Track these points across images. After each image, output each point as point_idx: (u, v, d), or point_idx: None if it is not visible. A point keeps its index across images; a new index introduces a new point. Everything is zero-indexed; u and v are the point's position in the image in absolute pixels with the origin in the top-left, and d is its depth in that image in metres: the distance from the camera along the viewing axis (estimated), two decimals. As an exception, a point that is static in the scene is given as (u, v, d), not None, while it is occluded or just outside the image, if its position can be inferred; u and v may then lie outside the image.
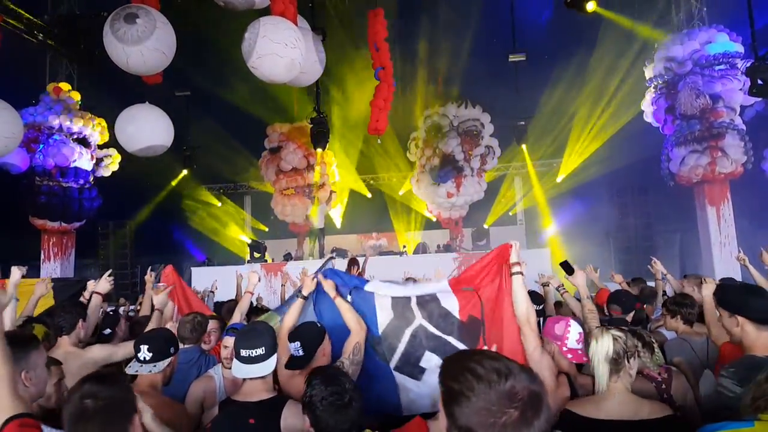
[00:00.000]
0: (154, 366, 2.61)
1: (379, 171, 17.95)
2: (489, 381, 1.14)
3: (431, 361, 3.02)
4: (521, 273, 2.94)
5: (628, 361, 2.29)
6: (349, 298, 3.23)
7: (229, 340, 3.15)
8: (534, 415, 1.11)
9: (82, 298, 4.32)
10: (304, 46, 5.70)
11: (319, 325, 3.00)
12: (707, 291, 3.18)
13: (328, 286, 3.25)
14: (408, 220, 17.66)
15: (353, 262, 7.83)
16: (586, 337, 2.88)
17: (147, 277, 4.74)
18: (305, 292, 3.26)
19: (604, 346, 2.33)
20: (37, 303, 4.20)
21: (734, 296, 2.70)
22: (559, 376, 2.74)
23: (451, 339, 3.06)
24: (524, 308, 2.85)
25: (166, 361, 2.66)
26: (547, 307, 4.69)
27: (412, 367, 3.08)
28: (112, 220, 16.23)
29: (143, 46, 5.74)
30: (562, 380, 2.71)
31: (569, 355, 2.80)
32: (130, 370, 2.64)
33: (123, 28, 5.61)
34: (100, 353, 3.43)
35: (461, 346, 3.06)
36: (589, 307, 3.37)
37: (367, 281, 3.39)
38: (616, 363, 2.28)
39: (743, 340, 2.55)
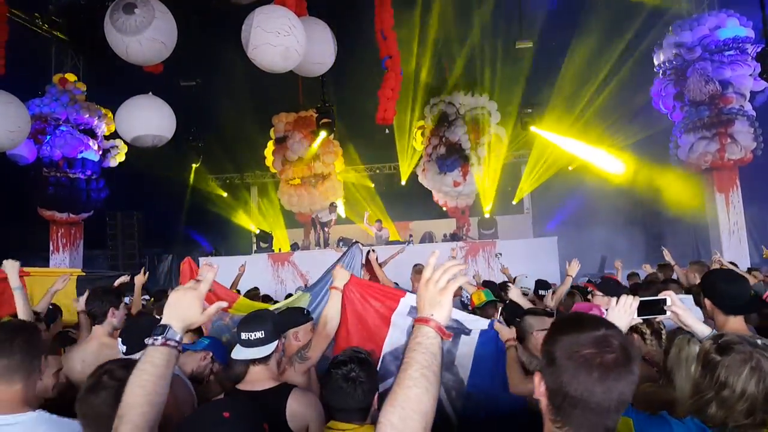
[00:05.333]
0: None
1: (384, 160, 17.86)
2: (584, 329, 1.27)
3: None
4: None
5: None
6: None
7: None
8: (625, 363, 1.21)
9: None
10: (301, 33, 5.65)
11: (305, 312, 3.07)
12: None
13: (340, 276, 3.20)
14: (414, 208, 17.54)
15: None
16: None
17: (138, 278, 4.70)
18: (338, 284, 3.18)
19: None
20: (52, 297, 4.11)
21: (707, 283, 2.74)
22: None
23: None
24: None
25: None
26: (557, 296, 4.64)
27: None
28: (119, 211, 16.29)
29: (141, 36, 5.79)
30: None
31: None
32: None
33: (121, 18, 5.66)
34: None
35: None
36: None
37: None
38: None
39: (716, 325, 2.57)
